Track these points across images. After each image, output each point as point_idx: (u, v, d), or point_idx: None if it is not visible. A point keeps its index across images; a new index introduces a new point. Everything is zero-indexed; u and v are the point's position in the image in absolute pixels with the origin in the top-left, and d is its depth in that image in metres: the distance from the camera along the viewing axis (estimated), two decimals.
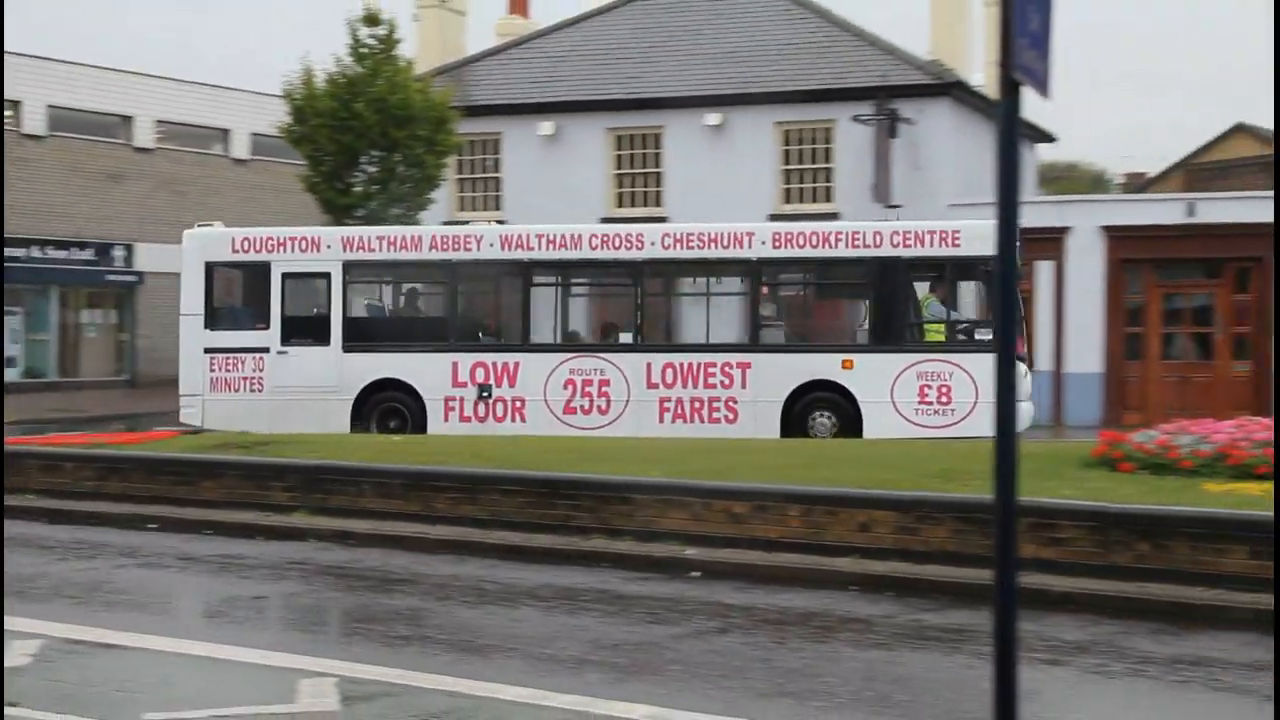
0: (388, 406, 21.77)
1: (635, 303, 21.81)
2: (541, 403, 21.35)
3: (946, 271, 21.34)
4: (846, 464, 14.40)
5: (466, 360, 21.61)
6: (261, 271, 22.23)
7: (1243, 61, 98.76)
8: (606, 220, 26.95)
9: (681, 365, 21.22)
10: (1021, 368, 20.71)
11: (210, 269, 22.44)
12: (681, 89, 31.38)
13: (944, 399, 20.58)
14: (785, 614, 10.34)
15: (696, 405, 21.10)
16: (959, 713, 7.60)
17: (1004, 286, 5.39)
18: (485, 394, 21.42)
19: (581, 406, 21.31)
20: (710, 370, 21.13)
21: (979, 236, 20.62)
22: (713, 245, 21.45)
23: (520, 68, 33.76)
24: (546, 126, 31.68)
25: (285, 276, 22.21)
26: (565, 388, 21.32)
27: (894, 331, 21.08)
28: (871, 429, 20.37)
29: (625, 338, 21.97)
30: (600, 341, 22.64)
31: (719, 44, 32.64)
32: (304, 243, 22.38)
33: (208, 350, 22.14)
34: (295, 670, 8.26)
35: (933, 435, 19.90)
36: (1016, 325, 18.09)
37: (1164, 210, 28.53)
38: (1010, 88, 4.96)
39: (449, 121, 26.53)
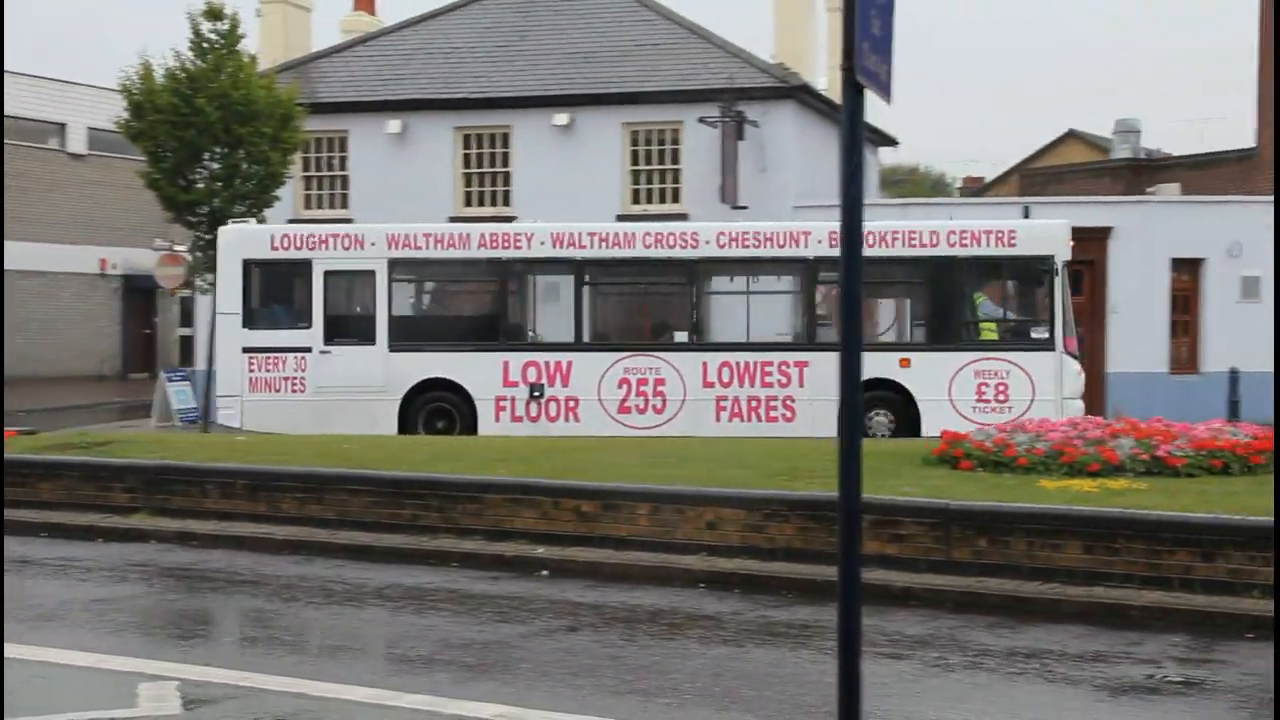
0: (435, 407, 21.56)
1: (690, 301, 21.92)
2: (595, 402, 21.33)
3: (1003, 271, 21.74)
4: (697, 463, 14.52)
5: (518, 359, 21.53)
6: (302, 269, 21.88)
7: (1078, 69, 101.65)
8: (454, 219, 26.73)
9: (738, 364, 21.35)
10: (1075, 365, 21.46)
11: (248, 266, 22.03)
12: (530, 89, 31.34)
13: (1001, 396, 20.94)
14: (635, 612, 10.40)
15: (754, 404, 21.28)
16: (804, 706, 7.72)
17: (848, 286, 5.50)
18: (537, 394, 21.32)
19: (636, 406, 21.32)
20: (767, 369, 21.29)
21: (1035, 236, 21.24)
22: (768, 244, 21.62)
23: (367, 65, 33.42)
24: (394, 125, 31.40)
25: (328, 274, 21.89)
26: (620, 387, 21.35)
27: (951, 330, 21.52)
28: (930, 427, 20.39)
29: (680, 336, 22.01)
30: (655, 340, 22.41)
31: (567, 44, 32.67)
32: (347, 240, 22.08)
33: (246, 350, 21.74)
34: (135, 674, 8.10)
35: None
36: (1069, 325, 18.52)
37: (1001, 212, 29.20)
38: (854, 91, 5.07)
39: (294, 118, 26.13)
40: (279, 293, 22.59)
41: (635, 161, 30.65)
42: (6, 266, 33.38)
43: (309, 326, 21.78)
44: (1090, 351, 28.05)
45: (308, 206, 32.06)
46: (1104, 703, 7.86)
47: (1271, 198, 31.45)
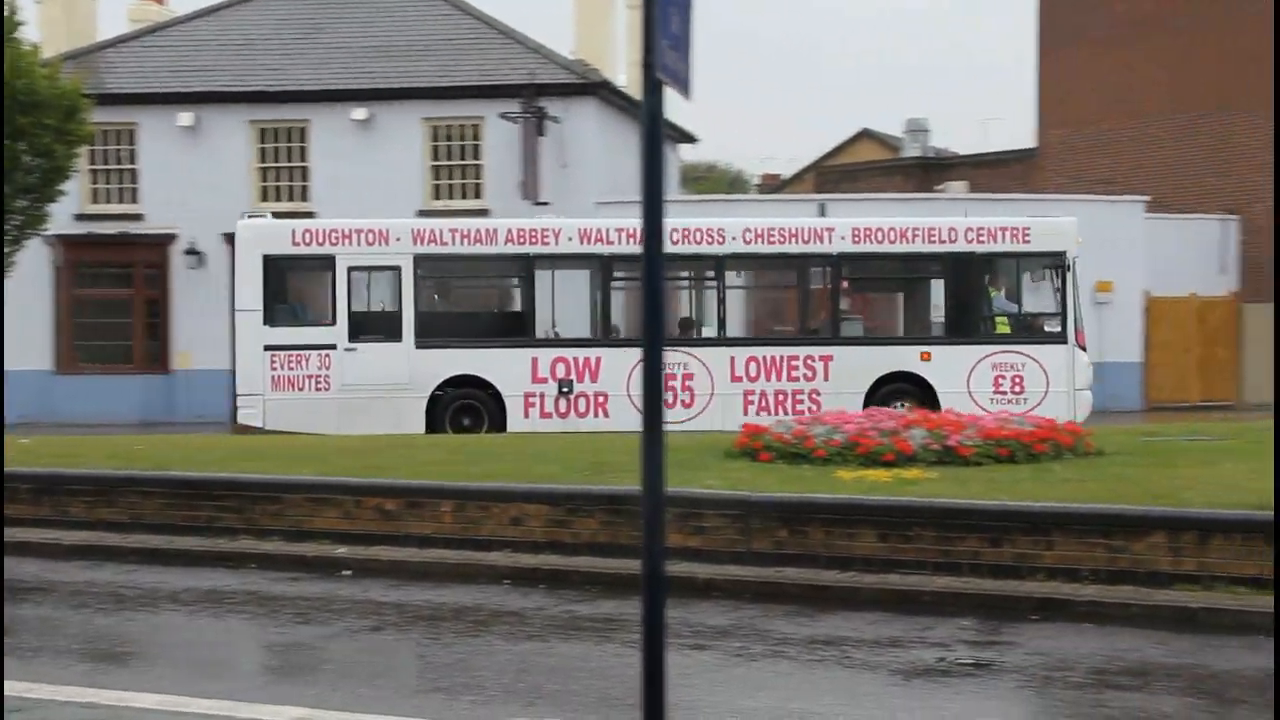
0: (462, 404, 21.31)
1: (718, 296, 21.99)
2: (625, 398, 20.98)
3: (1017, 266, 22.24)
4: (505, 459, 14.49)
5: (546, 355, 21.44)
6: (325, 265, 21.50)
7: (870, 70, 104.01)
8: (250, 216, 26.21)
9: (765, 358, 21.61)
10: (1084, 357, 22.22)
11: (268, 262, 21.44)
12: (327, 82, 30.90)
13: (1017, 388, 21.52)
14: (439, 610, 10.33)
15: (780, 398, 21.46)
16: (610, 699, 7.76)
17: (649, 283, 5.54)
18: (566, 390, 21.22)
19: (665, 401, 20.59)
20: (793, 363, 21.54)
21: (1048, 233, 21.93)
22: (793, 240, 21.83)
23: (157, 56, 32.55)
24: (185, 117, 30.65)
25: (351, 270, 21.54)
26: None
27: (970, 324, 22.08)
28: None
29: (708, 331, 22.15)
30: (683, 335, 22.32)
31: (366, 38, 32.28)
32: (370, 235, 21.64)
33: (268, 347, 21.20)
34: None
35: None
36: (1077, 319, 18.73)
37: (798, 210, 29.76)
38: (654, 88, 5.11)
39: (80, 110, 25.29)
40: (301, 289, 22.36)
41: (436, 157, 30.44)
42: None
43: (333, 323, 21.46)
44: None
45: (95, 200, 31.10)
46: (898, 686, 8.07)
47: (1053, 196, 32.65)
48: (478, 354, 21.51)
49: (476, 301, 23.66)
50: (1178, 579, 9.97)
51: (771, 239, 21.89)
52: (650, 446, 5.65)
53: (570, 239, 21.73)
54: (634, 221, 22.30)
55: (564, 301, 22.73)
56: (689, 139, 38.77)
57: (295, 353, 21.19)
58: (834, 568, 11.06)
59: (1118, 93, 36.63)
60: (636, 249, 18.80)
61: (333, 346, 21.28)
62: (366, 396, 20.96)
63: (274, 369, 21.19)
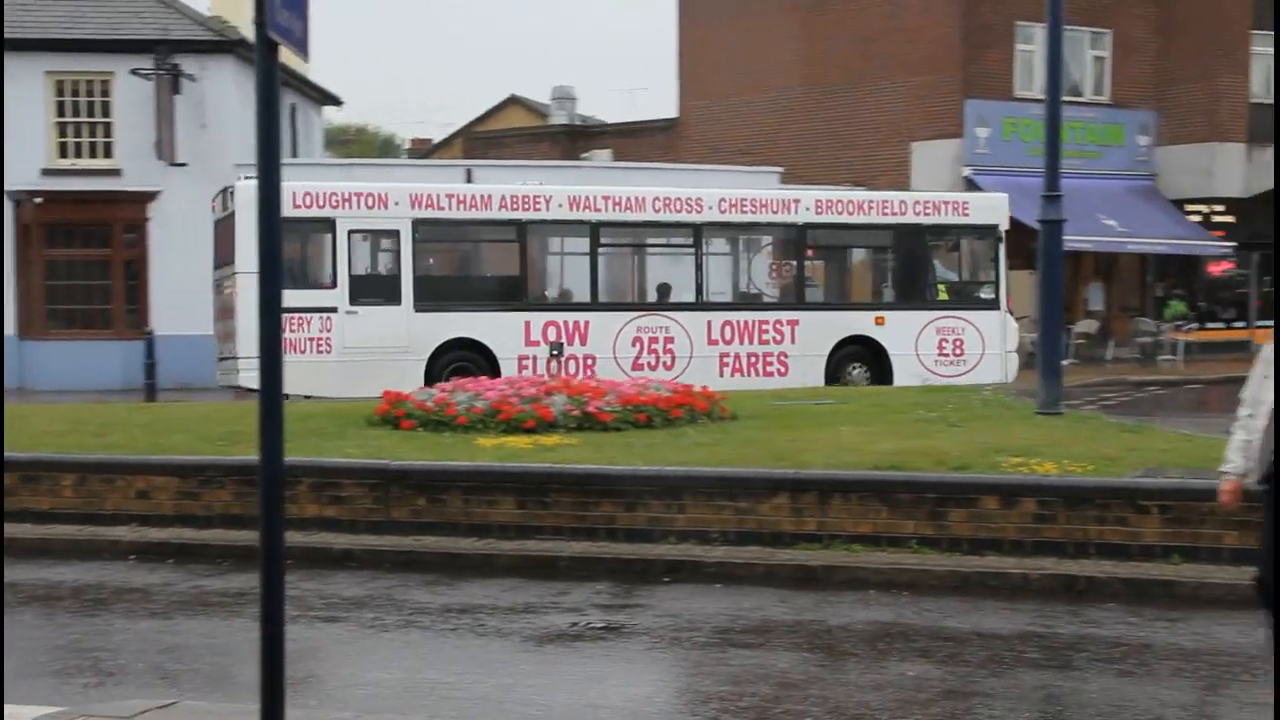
0: (458, 366, 21.05)
1: (696, 263, 22.78)
2: (611, 360, 21.67)
3: (958, 237, 23.88)
4: (132, 428, 13.90)
5: (539, 319, 21.82)
6: (326, 228, 21.29)
7: (518, 35, 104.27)
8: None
9: (739, 323, 22.59)
10: (1014, 323, 24.12)
11: None
12: None
13: (958, 351, 23.10)
14: (55, 589, 9.84)
15: (752, 360, 22.51)
16: (233, 678, 7.54)
17: (266, 244, 5.37)
18: (557, 352, 21.51)
19: (648, 363, 21.99)
20: (764, 327, 22.58)
21: (984, 207, 23.84)
22: (763, 210, 23.01)
23: None
24: None
25: (352, 233, 21.45)
26: (633, 345, 22.06)
27: (917, 291, 23.55)
28: (900, 379, 22.36)
29: (687, 297, 22.76)
30: (664, 301, 22.89)
31: None
32: (370, 199, 21.57)
33: None
34: None
35: (949, 383, 21.85)
36: (1006, 285, 21.72)
37: (447, 175, 29.58)
38: (267, 47, 4.95)
39: None
40: (301, 252, 21.90)
41: (62, 113, 28.88)
42: None
43: (334, 286, 21.24)
44: None
45: None
46: (530, 652, 8.13)
47: (694, 165, 33.45)
48: (474, 317, 21.74)
49: (473, 266, 23.70)
50: (800, 538, 10.37)
51: (744, 209, 22.96)
52: (269, 418, 5.48)
53: (560, 205, 22.19)
54: (621, 189, 22.11)
55: (555, 267, 23.47)
56: (334, 101, 38.00)
57: (298, 315, 20.76)
58: (473, 535, 11.07)
59: (753, 66, 37.81)
60: (620, 216, 20.30)
61: (334, 310, 21.16)
62: (367, 359, 20.78)
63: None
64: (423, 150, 57.07)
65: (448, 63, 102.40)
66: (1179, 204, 35.38)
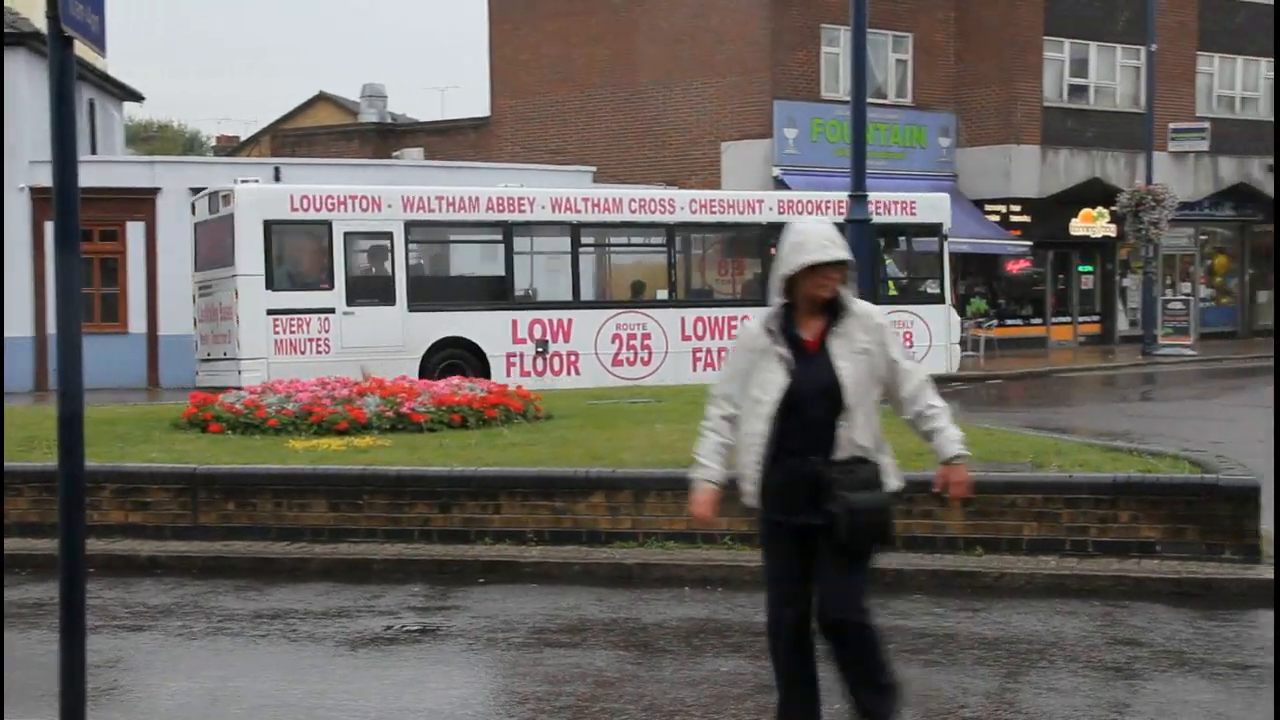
0: (450, 364, 21.77)
1: (669, 262, 24.11)
2: (593, 356, 22.96)
3: (907, 235, 25.49)
4: None
5: (525, 317, 22.68)
6: (322, 230, 21.86)
7: (326, 33, 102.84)
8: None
9: (710, 319, 23.80)
10: (956, 316, 26.14)
11: (269, 227, 21.55)
12: None
13: (908, 343, 24.19)
14: None
15: (723, 354, 22.51)
16: (31, 692, 7.28)
17: (62, 240, 5.22)
18: (543, 349, 22.45)
19: (627, 359, 23.13)
20: (734, 323, 22.76)
21: (929, 207, 25.58)
22: (730, 210, 24.28)
23: None
24: None
25: (348, 235, 22.02)
26: (613, 342, 23.11)
27: (870, 287, 24.03)
28: None
29: (661, 294, 23.94)
30: (641, 298, 23.95)
31: None
32: (364, 202, 22.20)
33: (270, 311, 21.27)
34: None
35: None
36: (950, 281, 21.61)
37: (253, 174, 28.99)
38: (61, 42, 4.80)
39: None
40: (300, 254, 22.52)
41: None
42: None
43: (331, 288, 21.80)
44: None
45: None
46: (344, 657, 8.03)
47: (507, 164, 33.40)
48: (464, 316, 22.42)
49: (463, 266, 24.27)
50: (615, 537, 10.42)
51: (713, 209, 24.30)
52: (68, 422, 5.32)
53: (544, 207, 23.05)
54: (602, 191, 23.62)
55: (539, 266, 24.04)
56: (135, 97, 36.99)
57: (297, 316, 21.44)
58: (285, 539, 10.90)
59: (564, 65, 37.90)
60: (598, 217, 21.66)
61: (332, 310, 21.71)
62: (364, 358, 20.66)
63: (277, 333, 21.33)
64: (229, 147, 55.93)
65: (251, 59, 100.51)
66: (979, 204, 36.46)
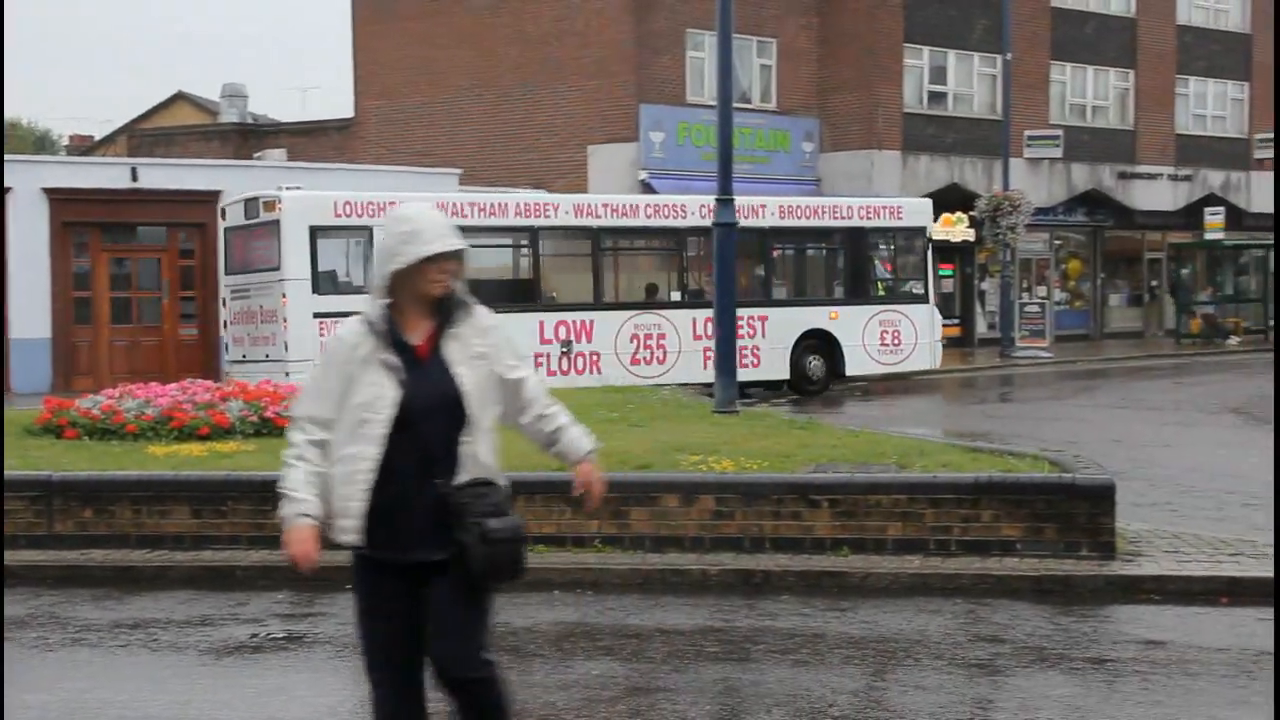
0: None
1: (681, 264, 25.05)
2: (613, 356, 23.60)
3: (895, 239, 26.65)
4: None
5: (551, 319, 23.23)
6: (363, 235, 22.16)
7: (180, 32, 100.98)
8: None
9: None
10: (939, 315, 27.27)
11: (314, 233, 22.01)
12: None
13: (896, 341, 26.02)
14: None
15: None
16: None
17: None
18: (566, 349, 22.90)
19: (644, 358, 23.80)
20: (739, 323, 23.08)
21: (914, 211, 27.03)
22: (737, 215, 23.51)
23: None
24: None
25: None
26: (631, 342, 23.82)
27: (863, 288, 26.29)
28: (850, 368, 25.75)
29: (675, 296, 24.74)
30: (657, 300, 24.75)
31: None
32: None
33: (317, 315, 21.47)
34: None
35: (889, 371, 26.24)
36: (933, 281, 22.57)
37: (109, 174, 28.41)
38: None
39: None
40: (342, 259, 22.89)
41: None
42: None
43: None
44: (204, 318, 28.03)
45: None
46: (208, 666, 7.89)
47: (371, 166, 33.10)
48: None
49: (492, 269, 24.54)
50: None
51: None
52: None
53: (567, 212, 23.80)
54: (621, 197, 24.78)
55: (563, 269, 24.78)
56: None
57: (341, 319, 19.69)
58: (145, 547, 10.67)
59: (429, 67, 37.67)
60: (618, 222, 22.55)
61: None
62: None
63: (323, 335, 21.18)
64: (83, 147, 54.64)
65: (105, 58, 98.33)
66: None
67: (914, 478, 10.43)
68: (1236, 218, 44.04)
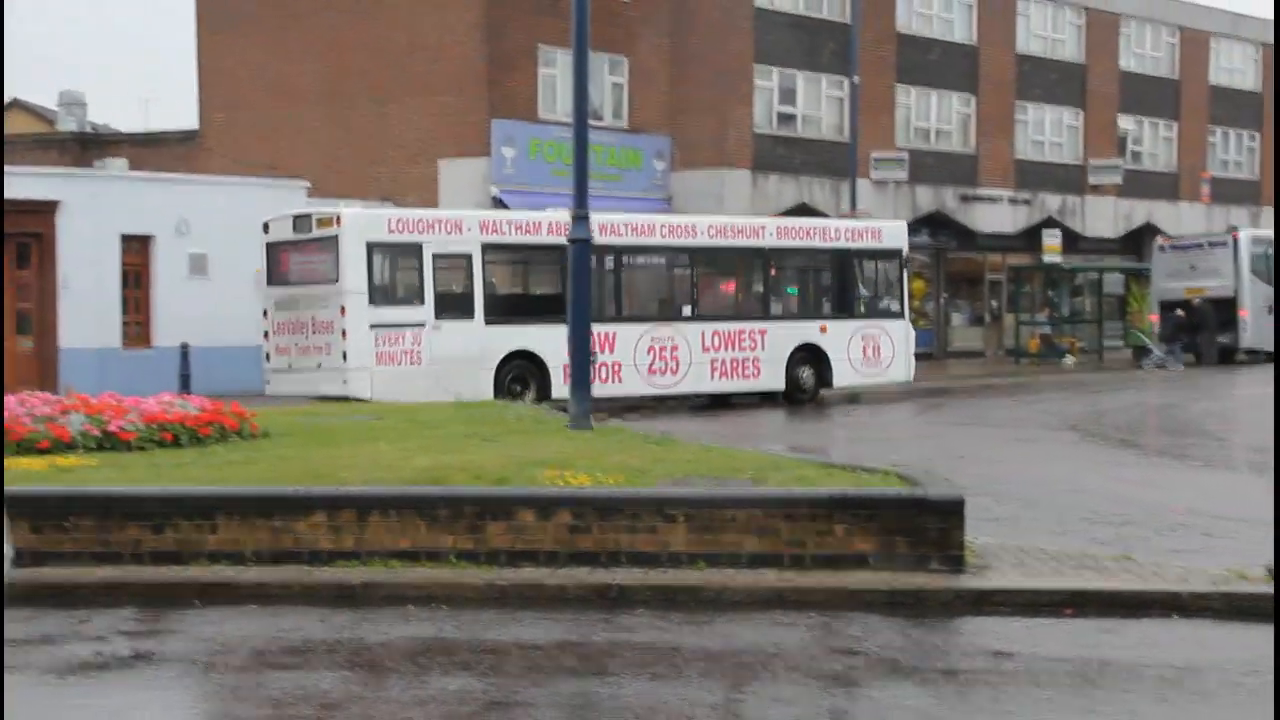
0: (516, 374, 24.03)
1: (691, 280, 26.68)
2: (632, 366, 25.07)
3: (875, 259, 28.47)
4: None
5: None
6: (415, 251, 23.69)
7: (14, 36, 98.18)
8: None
9: (725, 332, 26.33)
10: (913, 331, 29.34)
11: (370, 248, 23.27)
12: None
13: (877, 354, 27.85)
14: None
15: (734, 364, 26.28)
16: None
17: None
18: (593, 360, 21.76)
19: (659, 369, 25.26)
20: (743, 336, 26.35)
21: (892, 233, 29.00)
22: (739, 235, 27.12)
23: None
24: None
25: (435, 256, 23.87)
26: (649, 353, 25.22)
27: (847, 305, 28.12)
28: (838, 380, 27.47)
29: (685, 310, 26.26)
30: (671, 314, 26.22)
31: None
32: (448, 225, 24.31)
33: (373, 326, 22.95)
34: None
35: (870, 383, 28.17)
36: (909, 298, 24.56)
37: None
38: None
39: None
40: (396, 273, 24.24)
41: None
42: None
43: (422, 303, 23.68)
44: (41, 329, 27.31)
45: None
46: (49, 686, 7.64)
47: (215, 178, 32.54)
48: (530, 330, 24.21)
49: (529, 284, 26.29)
50: (338, 556, 10.19)
51: (724, 233, 27.08)
52: None
53: (593, 230, 22.75)
54: (640, 217, 26.57)
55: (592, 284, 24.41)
56: None
57: (395, 330, 23.25)
58: None
59: (276, 79, 37.16)
60: (635, 240, 24.62)
61: (423, 324, 23.53)
62: (450, 369, 22.71)
63: (379, 345, 23.00)
64: None
65: None
66: None
67: (769, 493, 10.52)
68: (1072, 241, 45.36)
